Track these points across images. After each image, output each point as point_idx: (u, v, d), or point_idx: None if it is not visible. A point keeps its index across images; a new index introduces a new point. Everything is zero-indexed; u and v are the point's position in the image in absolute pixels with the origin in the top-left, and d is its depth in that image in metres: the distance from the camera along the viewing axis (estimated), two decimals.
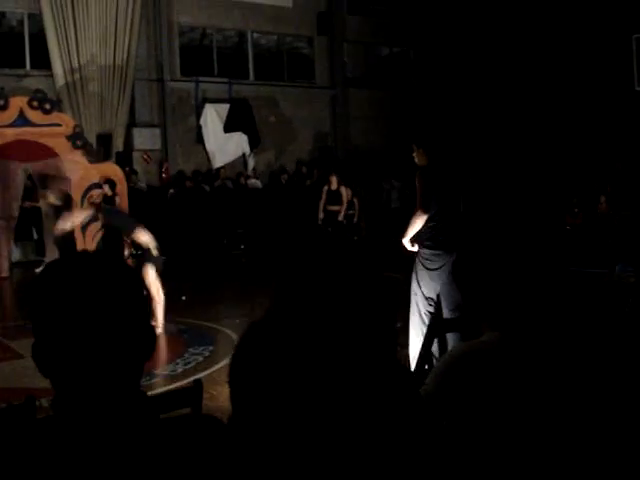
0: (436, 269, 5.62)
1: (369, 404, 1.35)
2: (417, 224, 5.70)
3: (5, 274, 12.94)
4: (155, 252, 8.20)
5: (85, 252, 1.39)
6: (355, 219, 15.62)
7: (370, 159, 19.00)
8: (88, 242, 12.49)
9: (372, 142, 19.98)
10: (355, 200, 15.62)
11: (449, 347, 4.83)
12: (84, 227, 12.67)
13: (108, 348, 1.26)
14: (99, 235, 12.53)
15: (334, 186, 14.96)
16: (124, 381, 1.29)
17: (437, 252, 5.65)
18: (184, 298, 9.92)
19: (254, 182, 17.61)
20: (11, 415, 2.53)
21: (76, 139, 12.99)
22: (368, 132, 20.22)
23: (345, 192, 14.98)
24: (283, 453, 1.28)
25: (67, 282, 1.28)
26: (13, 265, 13.36)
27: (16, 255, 13.79)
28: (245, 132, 18.08)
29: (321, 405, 1.28)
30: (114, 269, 1.33)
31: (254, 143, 18.26)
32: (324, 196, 14.96)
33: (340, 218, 14.95)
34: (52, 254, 12.74)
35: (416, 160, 5.94)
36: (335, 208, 14.93)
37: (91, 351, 1.25)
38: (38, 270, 12.24)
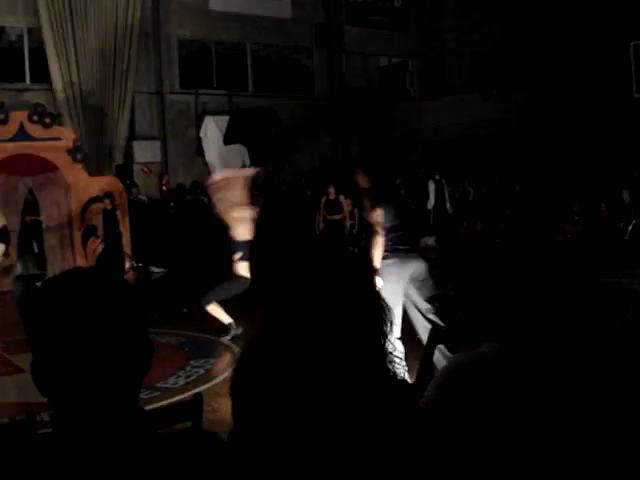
0: (399, 278, 5.72)
1: (369, 417, 1.35)
2: (380, 243, 5.76)
3: (7, 288, 12.94)
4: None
5: (81, 269, 1.40)
6: (355, 230, 15.63)
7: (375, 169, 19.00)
8: (89, 256, 12.51)
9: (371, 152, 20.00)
10: (356, 211, 15.63)
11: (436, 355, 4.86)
12: (85, 240, 12.70)
13: (104, 364, 1.27)
14: (99, 249, 12.56)
15: (332, 196, 15.01)
16: (121, 397, 1.30)
17: (395, 260, 5.77)
18: (185, 310, 9.91)
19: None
20: (12, 430, 2.53)
21: (76, 153, 13.04)
22: (367, 143, 20.26)
23: (345, 201, 15.02)
24: (284, 467, 1.29)
25: (63, 300, 1.28)
26: (15, 279, 13.37)
27: (17, 269, 13.79)
28: (245, 144, 18.11)
29: (322, 418, 1.28)
30: (110, 285, 1.33)
31: (256, 154, 18.29)
32: (322, 207, 15.00)
33: (348, 226, 14.98)
34: (53, 268, 12.75)
35: (359, 182, 6.12)
36: (335, 218, 14.96)
37: (87, 367, 1.26)
38: (39, 284, 12.24)
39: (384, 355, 1.44)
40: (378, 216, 5.79)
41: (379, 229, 5.75)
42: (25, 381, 6.28)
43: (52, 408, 1.30)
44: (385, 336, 1.45)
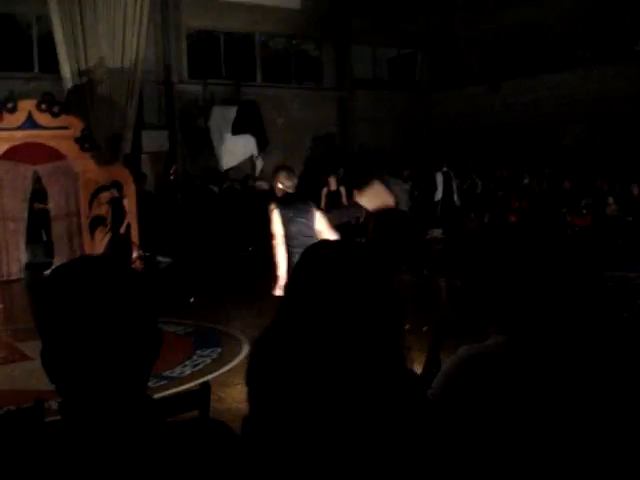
0: None
1: (379, 407, 1.35)
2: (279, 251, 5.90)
3: (16, 276, 12.98)
4: None
5: (89, 257, 1.40)
6: (362, 220, 15.58)
7: (377, 160, 19.01)
8: (97, 245, 12.53)
9: (379, 143, 19.99)
10: None
11: None
12: (92, 230, 12.72)
13: (113, 352, 1.27)
14: (107, 238, 12.59)
15: (333, 187, 14.97)
16: (130, 385, 1.30)
17: None
18: (192, 300, 9.94)
19: (261, 184, 17.62)
20: (20, 418, 2.55)
21: (85, 141, 13.05)
22: (375, 133, 20.23)
23: (345, 192, 14.93)
24: (298, 452, 1.29)
25: (72, 287, 1.28)
26: (23, 268, 13.41)
27: (26, 257, 13.83)
28: (253, 134, 18.09)
29: (333, 406, 1.28)
30: (118, 273, 1.33)
31: (262, 145, 18.27)
32: (324, 198, 14.93)
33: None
34: (61, 256, 12.78)
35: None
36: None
37: (97, 355, 1.26)
38: (47, 272, 12.28)
39: (395, 345, 1.44)
40: (273, 224, 5.79)
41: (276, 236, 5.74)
42: (33, 369, 6.34)
43: (61, 396, 1.30)
44: (399, 326, 1.46)
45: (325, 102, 20.30)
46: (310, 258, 1.49)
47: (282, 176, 5.98)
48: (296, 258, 5.41)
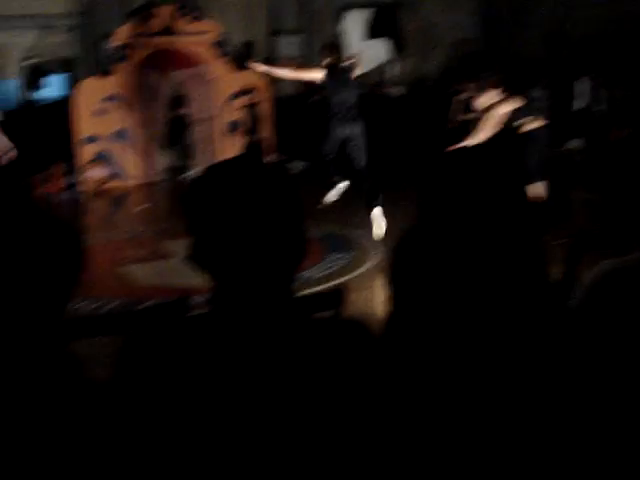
0: None
1: (520, 315, 1.34)
2: None
3: (158, 179, 13.48)
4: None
5: (234, 158, 1.45)
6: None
7: (521, 66, 18.27)
8: (232, 149, 12.80)
9: (520, 48, 19.16)
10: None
11: None
12: (228, 134, 12.99)
13: (260, 250, 1.31)
14: (243, 142, 12.86)
15: (467, 95, 14.47)
16: (274, 282, 1.34)
17: None
18: (325, 203, 10.02)
19: (395, 90, 17.36)
20: (165, 311, 2.68)
21: (221, 47, 13.21)
22: (516, 38, 19.39)
23: (478, 101, 14.41)
24: (440, 351, 1.30)
25: (221, 186, 1.33)
26: (163, 171, 13.90)
27: (165, 161, 14.30)
28: (388, 39, 17.73)
29: (476, 308, 1.28)
30: (265, 174, 1.37)
31: (397, 50, 17.91)
32: (456, 106, 14.47)
33: None
34: (198, 160, 13.17)
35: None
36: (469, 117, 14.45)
37: (245, 252, 1.31)
38: (186, 175, 12.73)
39: (536, 257, 1.41)
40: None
41: None
42: (176, 266, 6.66)
43: (210, 290, 1.35)
44: (538, 239, 1.43)
45: (464, 5, 19.55)
46: (452, 162, 1.48)
47: (325, 53, 7.80)
48: (335, 123, 6.43)
